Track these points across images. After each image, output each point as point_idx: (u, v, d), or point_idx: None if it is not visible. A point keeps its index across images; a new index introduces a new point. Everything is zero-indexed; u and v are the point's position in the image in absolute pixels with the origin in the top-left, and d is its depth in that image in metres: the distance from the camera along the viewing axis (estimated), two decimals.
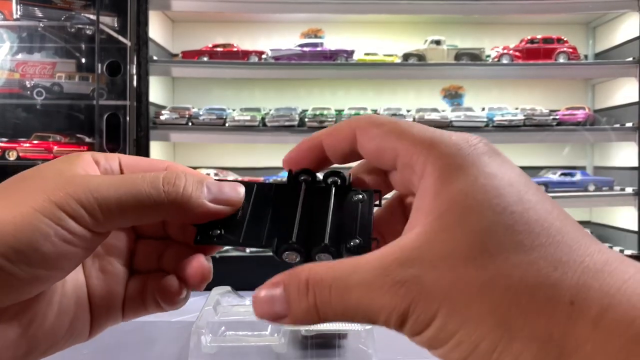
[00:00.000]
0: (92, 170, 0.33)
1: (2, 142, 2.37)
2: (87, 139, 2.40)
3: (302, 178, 0.35)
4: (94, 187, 0.30)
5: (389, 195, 0.36)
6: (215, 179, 0.35)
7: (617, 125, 2.44)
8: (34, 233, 0.28)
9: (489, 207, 0.25)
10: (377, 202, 0.34)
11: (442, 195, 0.26)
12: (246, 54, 2.51)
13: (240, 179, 0.37)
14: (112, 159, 0.34)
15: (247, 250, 2.33)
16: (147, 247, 0.37)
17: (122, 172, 0.35)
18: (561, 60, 2.49)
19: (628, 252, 2.23)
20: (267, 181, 0.38)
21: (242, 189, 0.35)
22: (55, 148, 2.37)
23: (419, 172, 0.28)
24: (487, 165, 0.26)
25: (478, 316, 0.24)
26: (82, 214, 0.29)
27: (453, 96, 2.58)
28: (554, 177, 2.45)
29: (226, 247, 2.39)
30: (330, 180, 0.34)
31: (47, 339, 0.32)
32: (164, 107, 2.53)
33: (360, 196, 0.34)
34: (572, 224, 0.25)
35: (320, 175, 0.35)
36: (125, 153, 2.42)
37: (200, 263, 0.35)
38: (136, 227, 0.38)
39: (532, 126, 2.42)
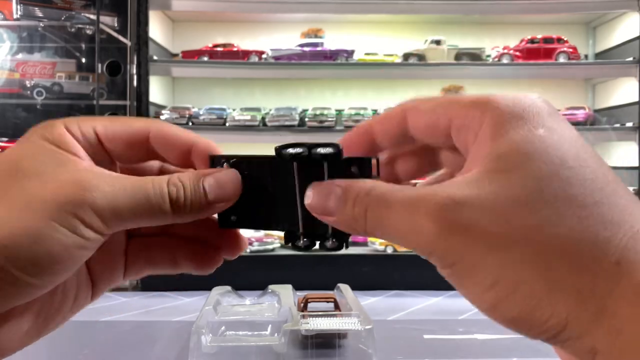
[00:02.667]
0: (79, 152, 0.32)
1: (2, 141, 2.37)
2: None
3: (292, 152, 0.33)
4: (110, 194, 0.29)
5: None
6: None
7: (617, 125, 2.44)
8: (53, 246, 0.27)
9: (547, 157, 0.25)
10: (375, 174, 0.32)
11: (500, 140, 0.25)
12: (246, 53, 2.51)
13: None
14: (87, 130, 0.33)
15: (247, 249, 2.33)
16: None
17: (100, 142, 0.33)
18: (561, 60, 2.49)
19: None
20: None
21: (237, 179, 0.34)
22: None
23: (475, 127, 0.27)
24: (546, 120, 0.27)
25: (521, 259, 0.23)
26: (97, 221, 0.29)
27: None
28: None
29: None
30: (322, 152, 0.32)
31: (55, 319, 0.33)
32: (164, 107, 2.53)
33: (357, 166, 0.32)
34: (624, 190, 0.25)
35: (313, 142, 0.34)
36: None
37: (235, 233, 0.36)
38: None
39: None
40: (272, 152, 0.33)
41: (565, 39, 2.52)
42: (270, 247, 2.37)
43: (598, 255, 0.23)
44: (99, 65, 2.33)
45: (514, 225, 0.23)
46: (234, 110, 2.50)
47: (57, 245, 0.28)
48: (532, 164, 0.24)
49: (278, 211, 0.34)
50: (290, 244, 0.33)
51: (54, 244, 0.27)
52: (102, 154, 0.34)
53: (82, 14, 2.41)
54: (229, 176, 0.33)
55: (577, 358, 0.23)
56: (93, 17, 2.32)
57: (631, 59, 2.38)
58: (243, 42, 2.63)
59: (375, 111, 2.51)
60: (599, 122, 2.53)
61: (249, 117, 2.44)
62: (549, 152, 0.25)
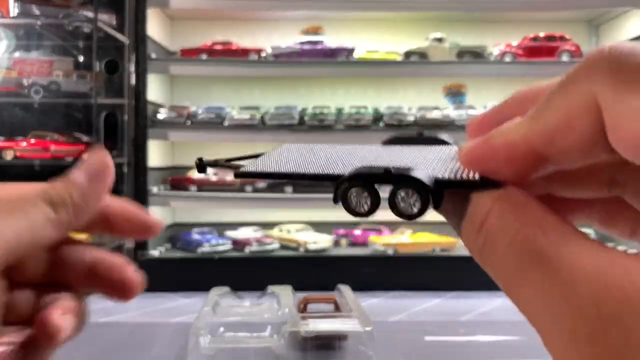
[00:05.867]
0: None
1: None
2: (85, 138, 2.39)
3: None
4: None
5: None
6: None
7: None
8: None
9: None
10: None
11: None
12: (245, 51, 2.49)
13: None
14: None
15: (247, 250, 2.31)
16: (24, 297, 0.29)
17: None
18: (564, 58, 2.47)
19: (632, 250, 2.22)
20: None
21: (101, 148, 0.29)
22: (53, 147, 2.34)
23: None
24: None
25: None
26: None
27: (455, 94, 2.57)
28: None
29: (224, 248, 2.38)
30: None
31: None
32: (162, 106, 2.51)
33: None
34: None
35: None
36: (123, 152, 2.42)
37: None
38: (13, 273, 0.29)
39: None
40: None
41: (568, 37, 2.50)
42: (270, 247, 2.35)
43: None
44: (97, 63, 2.31)
45: None
46: (232, 108, 2.48)
47: None
48: None
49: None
50: (355, 179, 0.22)
51: None
52: None
53: (80, 12, 2.39)
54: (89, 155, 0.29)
55: None
56: (91, 15, 2.31)
57: None
58: (242, 40, 2.61)
59: (375, 110, 2.49)
60: None
61: (248, 116, 2.42)
62: None
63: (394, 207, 0.22)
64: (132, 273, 0.28)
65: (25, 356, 0.27)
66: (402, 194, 0.21)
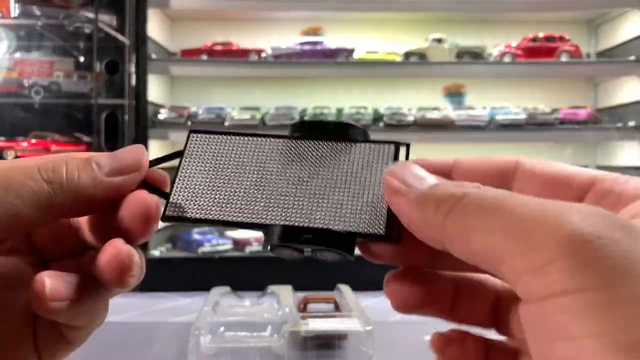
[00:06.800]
0: None
1: (0, 141, 2.36)
2: (85, 138, 2.39)
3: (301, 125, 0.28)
4: None
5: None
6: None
7: (620, 125, 2.42)
8: None
9: None
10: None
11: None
12: (245, 52, 2.50)
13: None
14: None
15: (247, 250, 2.31)
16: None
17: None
18: (563, 58, 2.47)
19: None
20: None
21: (142, 148, 0.27)
22: (54, 147, 2.35)
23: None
24: None
25: None
26: None
27: (455, 95, 2.57)
28: None
29: (225, 247, 2.38)
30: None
31: None
32: (162, 106, 2.51)
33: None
34: None
35: None
36: None
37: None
38: (42, 249, 0.28)
39: (534, 125, 2.41)
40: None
41: (567, 38, 2.50)
42: None
43: None
44: (97, 64, 2.31)
45: None
46: (233, 109, 2.48)
47: None
48: None
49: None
50: (279, 244, 0.26)
51: None
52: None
53: (81, 13, 2.40)
54: (127, 148, 0.27)
55: None
56: (91, 15, 2.31)
57: (634, 57, 2.36)
58: (242, 40, 2.61)
59: (375, 110, 2.49)
60: (602, 121, 2.52)
61: (248, 117, 2.42)
62: None
63: (317, 259, 0.26)
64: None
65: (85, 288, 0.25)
66: (320, 252, 0.25)
